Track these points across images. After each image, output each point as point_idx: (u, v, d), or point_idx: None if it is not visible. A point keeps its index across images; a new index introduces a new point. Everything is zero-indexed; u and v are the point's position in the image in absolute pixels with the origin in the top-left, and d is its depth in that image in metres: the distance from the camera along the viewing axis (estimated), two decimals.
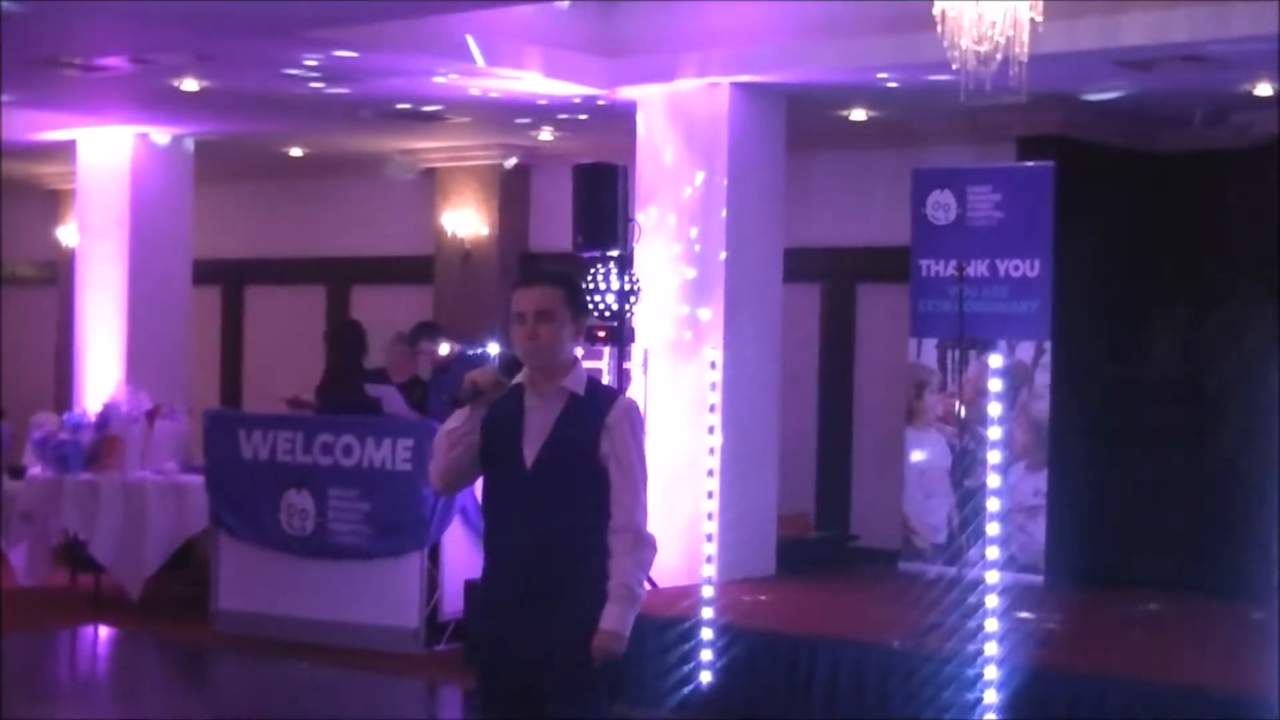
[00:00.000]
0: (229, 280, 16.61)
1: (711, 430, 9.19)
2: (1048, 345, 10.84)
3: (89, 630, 11.21)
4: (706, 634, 8.82)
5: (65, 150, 14.28)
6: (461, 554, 10.31)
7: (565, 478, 4.99)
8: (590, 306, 10.12)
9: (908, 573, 10.90)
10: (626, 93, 11.06)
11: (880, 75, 10.31)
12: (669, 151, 10.90)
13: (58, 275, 17.08)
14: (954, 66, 8.13)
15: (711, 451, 9.17)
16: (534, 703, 5.00)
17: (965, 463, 10.39)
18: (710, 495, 9.12)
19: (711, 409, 9.20)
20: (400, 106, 12.21)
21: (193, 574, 11.75)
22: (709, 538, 9.03)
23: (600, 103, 11.56)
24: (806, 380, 12.96)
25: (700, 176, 10.76)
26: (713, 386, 9.26)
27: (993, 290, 10.94)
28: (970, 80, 8.10)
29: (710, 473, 9.14)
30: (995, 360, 8.34)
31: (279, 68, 10.69)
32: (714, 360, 9.32)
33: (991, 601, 7.83)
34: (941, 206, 11.19)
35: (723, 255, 10.65)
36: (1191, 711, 7.47)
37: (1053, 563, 10.69)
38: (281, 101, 11.92)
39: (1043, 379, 10.84)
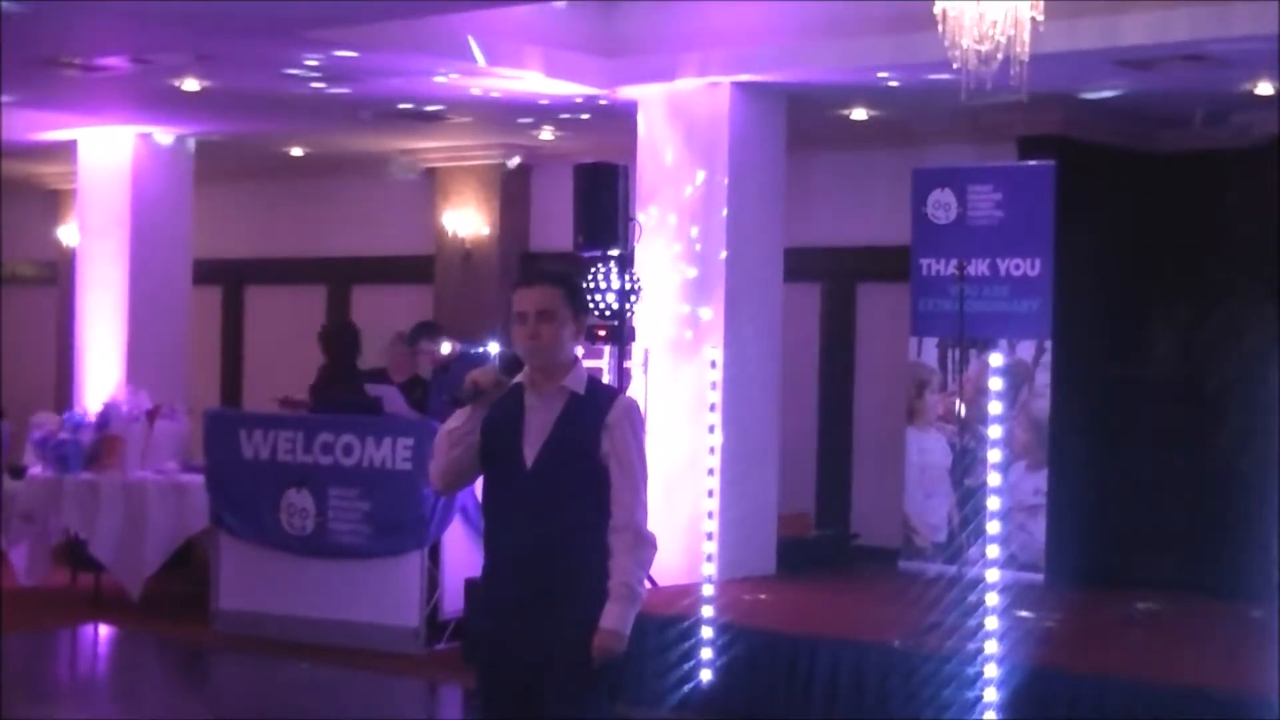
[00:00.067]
0: (229, 280, 16.61)
1: (712, 429, 9.19)
2: (1048, 344, 10.85)
3: (89, 630, 11.21)
4: (707, 633, 8.82)
5: (66, 150, 14.28)
6: (461, 553, 10.31)
7: (565, 477, 5.00)
8: (590, 306, 10.14)
9: (908, 571, 10.91)
10: (627, 92, 11.07)
11: (881, 75, 10.31)
12: (669, 151, 10.90)
13: (58, 275, 17.08)
14: (955, 66, 8.13)
15: (712, 450, 9.17)
16: (534, 702, 5.00)
17: (966, 461, 10.39)
18: (710, 494, 9.12)
19: (712, 408, 9.20)
20: (401, 106, 12.22)
21: (193, 574, 11.76)
22: (709, 536, 9.03)
23: (601, 102, 11.56)
24: (807, 379, 12.97)
25: (701, 176, 10.76)
26: (713, 386, 9.26)
27: (993, 289, 10.94)
28: (971, 80, 8.10)
29: (710, 472, 9.14)
30: (996, 359, 8.34)
31: (279, 68, 10.69)
32: (714, 359, 9.33)
33: (992, 600, 7.83)
34: (942, 206, 11.19)
35: (723, 255, 10.65)
36: (1191, 711, 7.47)
37: (1053, 562, 10.70)
38: (282, 101, 11.92)
39: (1043, 378, 10.84)
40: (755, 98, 10.78)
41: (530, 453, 5.01)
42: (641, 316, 10.80)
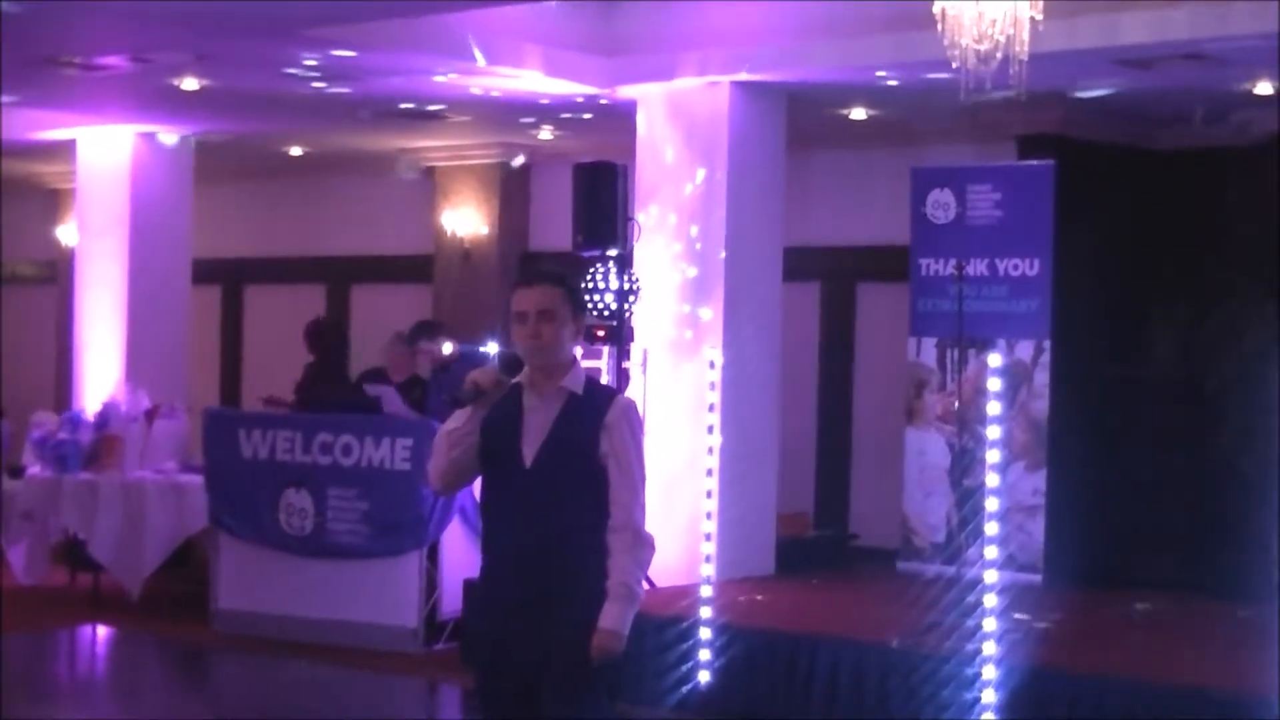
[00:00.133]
0: (229, 279, 16.61)
1: (711, 430, 9.18)
2: (1047, 344, 10.84)
3: (88, 630, 11.20)
4: (705, 633, 8.81)
5: (65, 149, 14.28)
6: (460, 553, 10.30)
7: (564, 477, 4.99)
8: (588, 305, 10.14)
9: (907, 572, 10.90)
10: (627, 92, 11.06)
11: (880, 74, 10.31)
12: (669, 150, 10.89)
13: (57, 274, 17.08)
14: (954, 65, 8.12)
15: (711, 451, 9.16)
16: (533, 702, 5.00)
17: (964, 462, 10.38)
18: (709, 494, 9.12)
19: (711, 408, 9.20)
20: (400, 106, 12.21)
21: (192, 573, 11.75)
22: (708, 537, 9.03)
23: (601, 102, 11.55)
24: (806, 379, 12.96)
25: (700, 175, 10.75)
26: (712, 386, 9.25)
27: (992, 289, 10.94)
28: (970, 79, 8.09)
29: (709, 472, 9.14)
30: (994, 359, 8.33)
31: (279, 67, 10.69)
32: (713, 359, 9.32)
33: (990, 601, 7.83)
34: (941, 205, 11.19)
35: (722, 254, 10.65)
36: (1191, 711, 7.46)
37: (1051, 562, 10.69)
38: (281, 101, 11.92)
39: (1042, 378, 10.84)
40: (755, 97, 10.78)
41: (529, 453, 5.01)
42: (640, 316, 10.79)
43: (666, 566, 9.22)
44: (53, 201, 17.37)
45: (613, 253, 10.42)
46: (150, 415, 12.10)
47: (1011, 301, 10.89)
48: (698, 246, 10.73)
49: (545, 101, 11.80)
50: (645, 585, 5.14)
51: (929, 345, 11.32)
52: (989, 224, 11.02)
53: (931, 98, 10.54)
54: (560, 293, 5.06)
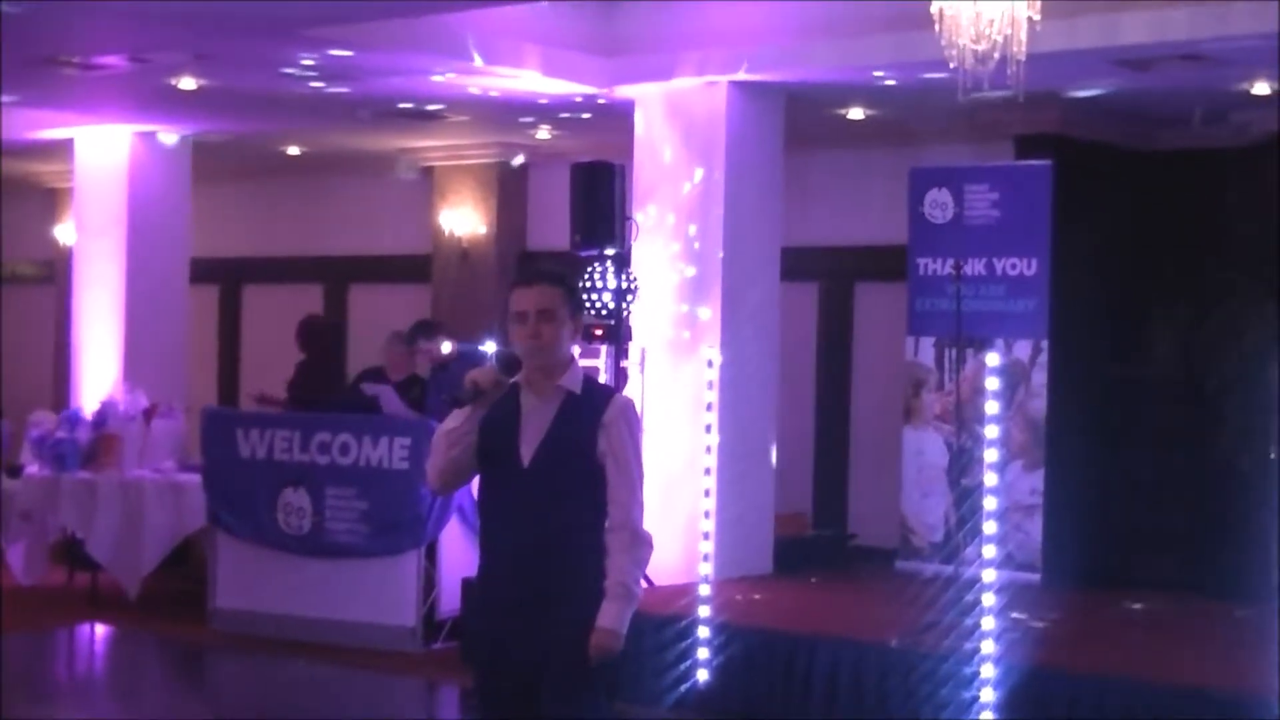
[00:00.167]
0: (227, 279, 16.61)
1: (709, 429, 9.18)
2: (1045, 344, 10.85)
3: (86, 629, 11.20)
4: (704, 632, 8.81)
5: (63, 149, 14.27)
6: (458, 552, 10.30)
7: (562, 477, 4.99)
8: (586, 305, 10.15)
9: (905, 571, 10.91)
10: (625, 91, 11.06)
11: (878, 74, 10.31)
12: (667, 150, 10.89)
13: (56, 274, 17.08)
14: (952, 65, 8.12)
15: (709, 450, 9.16)
16: (531, 701, 5.00)
17: (962, 461, 10.38)
18: (708, 494, 9.11)
19: (709, 408, 9.20)
20: (399, 105, 12.21)
21: (190, 572, 11.74)
22: (706, 536, 9.03)
23: (599, 101, 11.55)
24: (804, 379, 12.96)
25: (699, 175, 10.75)
26: (710, 385, 9.25)
27: (990, 289, 10.94)
28: (968, 79, 8.09)
29: (708, 471, 9.14)
30: (992, 359, 8.33)
31: (278, 67, 10.69)
32: (712, 359, 9.32)
33: (988, 600, 7.83)
34: (939, 205, 11.19)
35: (721, 254, 10.65)
36: (1191, 711, 7.46)
37: (1050, 561, 10.70)
38: (280, 100, 11.92)
39: (1040, 378, 10.84)
40: (753, 97, 10.78)
41: (527, 452, 5.01)
42: (639, 316, 10.79)
43: (665, 566, 9.22)
44: (51, 201, 17.37)
45: (611, 252, 10.42)
46: (148, 414, 12.10)
47: (1009, 301, 10.90)
48: (696, 246, 10.73)
49: (543, 101, 11.80)
50: (643, 584, 5.14)
51: (927, 345, 11.32)
52: (987, 224, 11.02)
53: (929, 98, 10.54)
54: (559, 292, 5.06)
